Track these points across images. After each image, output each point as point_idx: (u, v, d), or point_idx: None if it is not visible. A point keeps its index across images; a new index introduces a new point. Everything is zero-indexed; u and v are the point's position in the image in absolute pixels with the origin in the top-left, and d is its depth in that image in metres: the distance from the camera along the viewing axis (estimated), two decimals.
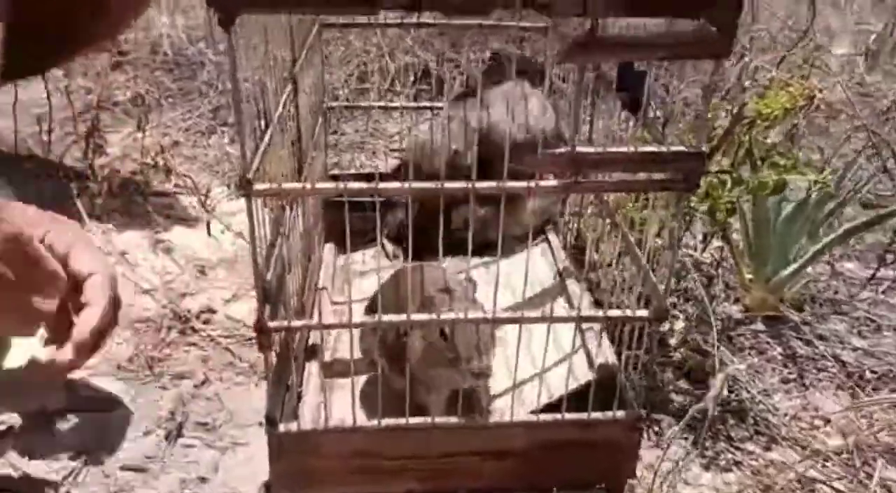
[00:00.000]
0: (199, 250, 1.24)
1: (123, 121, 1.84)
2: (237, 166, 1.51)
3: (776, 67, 1.02)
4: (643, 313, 0.70)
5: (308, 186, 0.61)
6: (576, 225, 1.13)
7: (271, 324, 0.67)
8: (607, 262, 1.04)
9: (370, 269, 1.14)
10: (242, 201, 0.61)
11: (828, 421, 0.98)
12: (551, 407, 0.79)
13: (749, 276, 1.16)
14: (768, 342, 1.13)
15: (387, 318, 0.69)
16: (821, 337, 1.14)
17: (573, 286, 0.98)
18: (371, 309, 0.91)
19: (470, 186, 0.63)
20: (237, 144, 1.60)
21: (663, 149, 0.61)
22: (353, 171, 1.52)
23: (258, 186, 0.60)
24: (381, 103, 1.66)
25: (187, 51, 2.39)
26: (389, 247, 1.16)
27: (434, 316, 0.69)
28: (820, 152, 1.22)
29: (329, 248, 1.17)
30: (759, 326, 1.15)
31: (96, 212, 1.28)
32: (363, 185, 0.62)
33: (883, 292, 1.25)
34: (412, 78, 1.96)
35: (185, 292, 1.14)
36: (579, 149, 0.60)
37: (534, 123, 1.09)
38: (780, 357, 1.10)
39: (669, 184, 0.62)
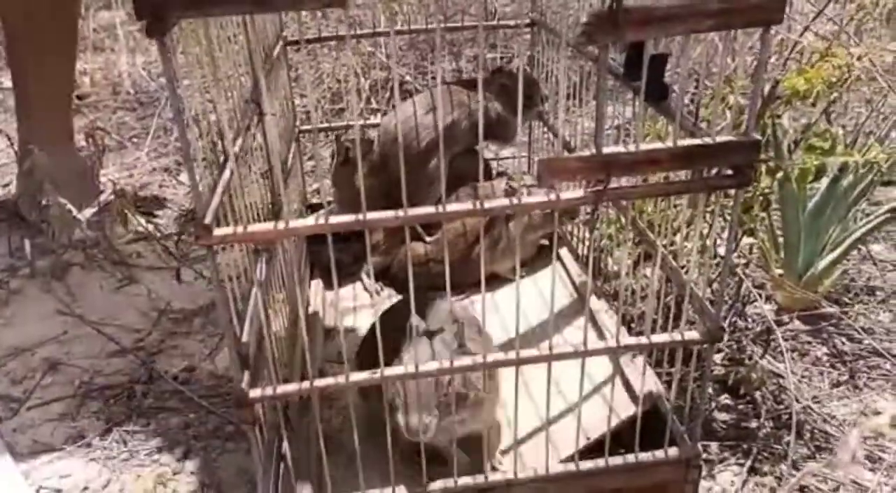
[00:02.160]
0: (171, 300, 1.12)
1: None
2: None
3: (801, 34, 0.90)
4: (693, 335, 0.59)
5: (281, 226, 0.50)
6: (587, 234, 1.02)
7: (253, 393, 0.55)
8: (625, 272, 0.94)
9: (360, 305, 1.04)
10: None
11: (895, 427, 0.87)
12: (589, 452, 0.68)
13: (779, 271, 1.06)
14: (809, 342, 1.02)
15: (390, 372, 0.58)
16: (865, 330, 1.03)
17: (596, 304, 0.86)
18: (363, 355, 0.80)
19: (476, 206, 0.52)
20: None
21: (708, 141, 0.50)
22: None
23: (220, 232, 0.49)
24: (359, 122, 1.55)
25: (149, 88, 2.29)
26: (370, 283, 1.07)
27: (436, 366, 0.58)
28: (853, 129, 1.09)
29: (315, 284, 1.06)
30: (798, 325, 1.04)
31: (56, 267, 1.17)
32: (348, 218, 0.50)
33: None
34: (387, 94, 1.86)
35: (159, 350, 1.02)
36: (608, 149, 0.49)
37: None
38: (825, 358, 0.99)
39: (719, 181, 0.51)
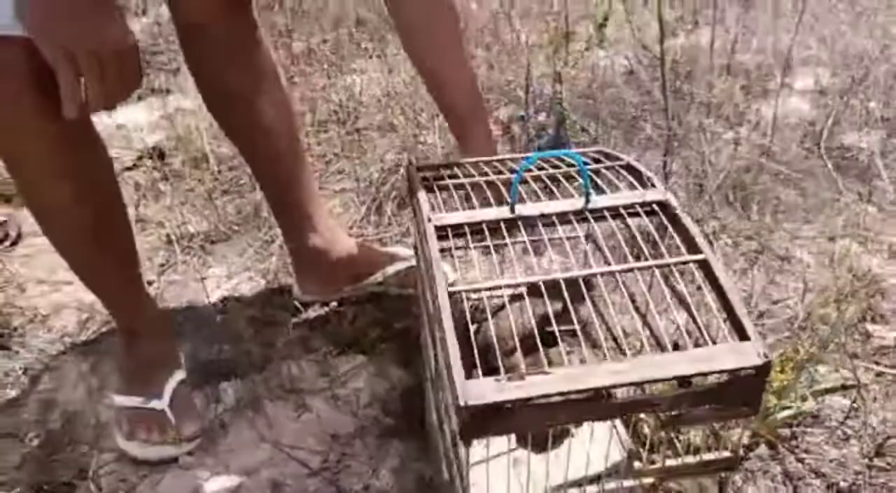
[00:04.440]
0: (336, 423, 1.61)
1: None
2: None
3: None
4: None
5: None
6: None
7: None
8: None
9: None
10: None
11: None
12: None
13: None
14: (769, 462, 1.54)
15: None
16: (806, 451, 1.56)
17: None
18: None
19: None
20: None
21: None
22: None
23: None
24: None
25: (234, 160, 2.63)
26: None
27: None
28: None
29: None
30: (763, 449, 1.56)
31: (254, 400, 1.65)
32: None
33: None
34: None
35: (339, 470, 1.52)
36: None
37: None
38: (779, 476, 1.52)
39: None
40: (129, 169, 2.71)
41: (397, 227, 2.27)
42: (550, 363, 1.28)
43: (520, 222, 1.14)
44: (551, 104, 2.54)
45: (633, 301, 1.30)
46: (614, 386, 0.92)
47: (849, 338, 1.77)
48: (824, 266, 2.05)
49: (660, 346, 1.04)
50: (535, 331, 1.08)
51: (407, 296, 1.93)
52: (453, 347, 0.94)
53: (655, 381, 0.92)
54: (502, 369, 0.99)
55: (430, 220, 1.13)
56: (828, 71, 3.22)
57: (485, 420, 0.90)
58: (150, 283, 2.07)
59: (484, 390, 0.90)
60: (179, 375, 1.62)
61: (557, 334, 1.14)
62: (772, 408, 1.51)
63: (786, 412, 1.50)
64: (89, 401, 1.70)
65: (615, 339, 1.35)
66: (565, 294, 1.07)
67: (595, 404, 0.92)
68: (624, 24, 2.70)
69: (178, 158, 2.68)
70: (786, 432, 1.56)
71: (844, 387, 1.52)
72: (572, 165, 1.27)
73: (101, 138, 1.38)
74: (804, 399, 1.49)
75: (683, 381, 0.93)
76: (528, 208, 1.15)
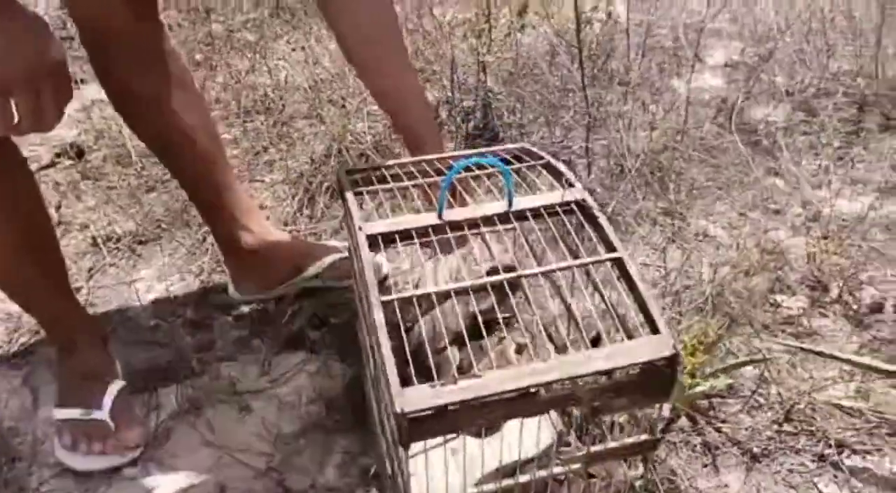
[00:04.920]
0: (279, 424, 1.64)
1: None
2: None
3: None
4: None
5: None
6: None
7: None
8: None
9: None
10: None
11: None
12: None
13: None
14: (690, 434, 1.66)
15: None
16: (723, 421, 1.68)
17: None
18: None
19: None
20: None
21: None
22: None
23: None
24: None
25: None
26: None
27: None
28: None
29: None
30: (684, 421, 1.67)
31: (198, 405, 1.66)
32: None
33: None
34: None
35: (284, 470, 1.56)
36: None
37: None
38: (699, 446, 1.64)
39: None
40: (45, 167, 2.62)
41: (331, 219, 2.28)
42: (481, 349, 1.34)
43: (447, 227, 1.18)
44: (476, 89, 2.58)
45: (559, 292, 1.37)
46: (540, 385, 0.98)
47: (759, 310, 1.90)
48: (736, 242, 2.18)
49: (582, 337, 1.11)
50: (464, 330, 1.13)
51: (344, 288, 1.96)
52: (389, 359, 0.98)
53: (578, 377, 0.99)
54: (433, 369, 1.04)
55: (360, 229, 1.16)
56: (739, 46, 3.37)
57: (421, 424, 0.96)
58: (78, 289, 2.03)
59: (420, 397, 0.95)
60: (118, 384, 1.62)
61: (483, 329, 1.20)
62: (688, 386, 1.62)
63: (700, 388, 1.61)
64: (24, 416, 1.67)
65: (543, 328, 1.42)
66: (492, 295, 1.12)
67: (524, 402, 0.99)
68: (542, 10, 2.75)
69: (99, 154, 2.61)
70: (704, 403, 1.68)
71: (753, 361, 1.64)
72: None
73: (21, 153, 1.35)
74: (716, 376, 1.60)
75: (604, 374, 1.00)
76: (454, 213, 1.20)
